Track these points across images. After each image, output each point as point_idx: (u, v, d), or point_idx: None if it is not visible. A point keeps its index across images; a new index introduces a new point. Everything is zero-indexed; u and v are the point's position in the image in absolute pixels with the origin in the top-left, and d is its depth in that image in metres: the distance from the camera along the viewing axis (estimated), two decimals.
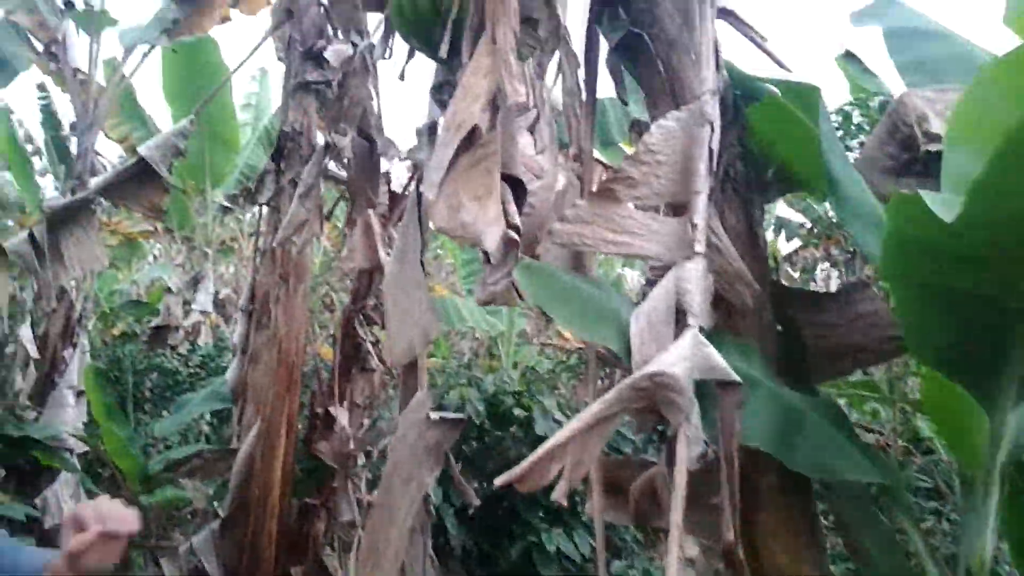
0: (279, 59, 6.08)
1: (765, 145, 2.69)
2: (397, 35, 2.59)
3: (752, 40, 2.57)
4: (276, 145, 5.24)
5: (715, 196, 2.38)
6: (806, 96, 2.48)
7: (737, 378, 1.59)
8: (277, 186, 5.15)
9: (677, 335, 1.70)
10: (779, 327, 2.39)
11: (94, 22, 7.25)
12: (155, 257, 17.60)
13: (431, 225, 2.12)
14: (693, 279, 1.84)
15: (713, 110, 2.27)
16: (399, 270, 2.61)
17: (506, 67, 1.99)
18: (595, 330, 1.94)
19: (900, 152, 2.87)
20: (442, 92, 2.34)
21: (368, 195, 2.98)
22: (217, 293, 12.05)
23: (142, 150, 5.04)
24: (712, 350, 1.62)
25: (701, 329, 1.69)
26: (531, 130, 2.09)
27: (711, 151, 2.24)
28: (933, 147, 2.62)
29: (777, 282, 2.89)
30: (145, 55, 7.86)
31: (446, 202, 2.03)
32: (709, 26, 2.41)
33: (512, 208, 2.11)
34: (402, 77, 2.68)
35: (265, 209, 5.30)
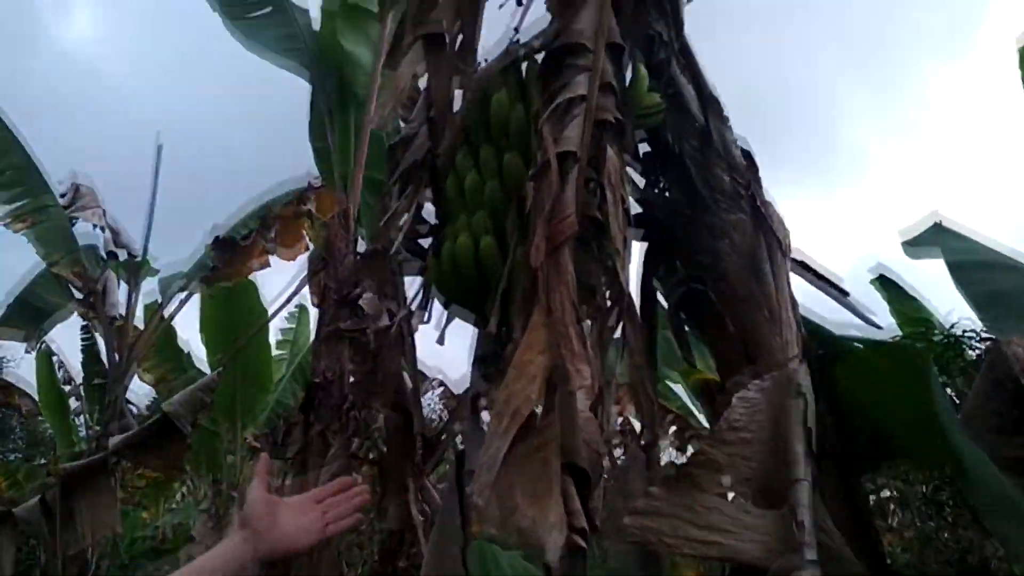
0: (314, 305, 6.00)
1: (856, 410, 2.35)
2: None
3: (831, 295, 2.31)
4: (306, 396, 5.00)
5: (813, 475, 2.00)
6: (906, 357, 2.19)
7: None
8: (305, 439, 4.84)
9: None
10: None
11: (135, 271, 7.38)
12: (183, 496, 17.09)
13: (479, 528, 1.76)
14: None
15: (804, 379, 1.95)
16: (440, 541, 2.22)
17: (565, 342, 1.71)
18: None
19: (1009, 408, 2.50)
20: (487, 364, 2.07)
21: (403, 476, 2.67)
22: None
23: (167, 407, 4.82)
24: None
25: None
26: (594, 410, 1.77)
27: (808, 429, 1.90)
28: None
29: None
30: (183, 301, 7.96)
31: (499, 503, 1.68)
32: (784, 280, 2.17)
33: (576, 506, 1.75)
34: (441, 341, 2.44)
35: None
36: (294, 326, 13.49)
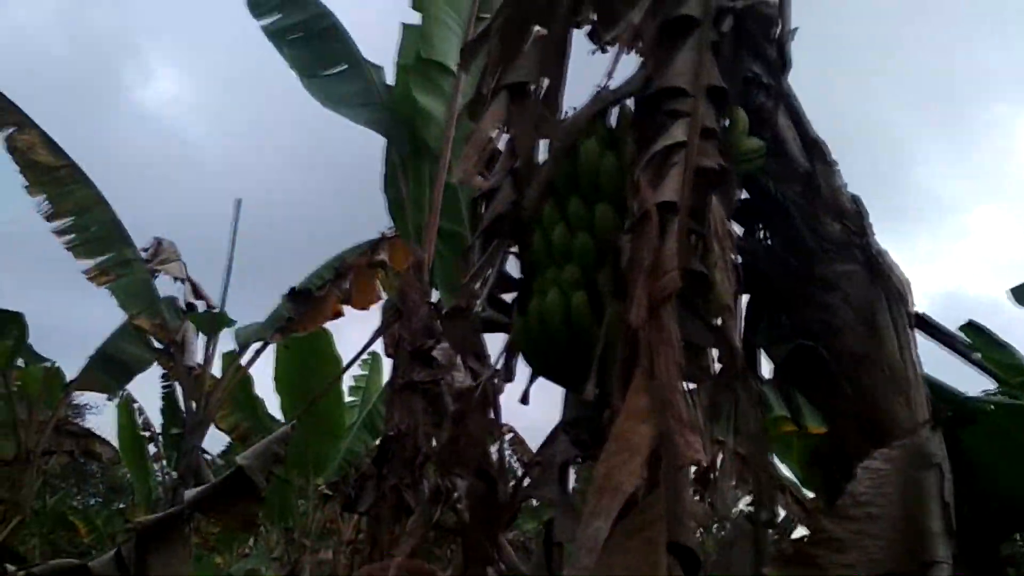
0: (387, 355, 5.94)
1: (986, 476, 2.11)
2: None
3: (956, 351, 2.10)
4: (379, 448, 4.91)
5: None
6: None
7: None
8: (378, 493, 4.73)
9: None
10: None
11: (213, 323, 7.49)
12: (255, 542, 17.19)
13: None
14: None
15: (938, 448, 1.75)
16: None
17: (671, 410, 1.56)
18: None
19: None
20: (579, 429, 1.93)
21: (487, 548, 2.52)
22: None
23: (242, 461, 4.78)
24: None
25: None
26: (703, 483, 1.61)
27: (945, 504, 1.69)
28: None
29: None
30: (258, 351, 8.05)
31: None
32: (906, 336, 1.97)
33: None
34: (525, 401, 2.30)
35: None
36: (367, 373, 13.53)
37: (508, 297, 2.30)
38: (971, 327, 4.32)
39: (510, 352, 2.21)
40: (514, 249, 2.29)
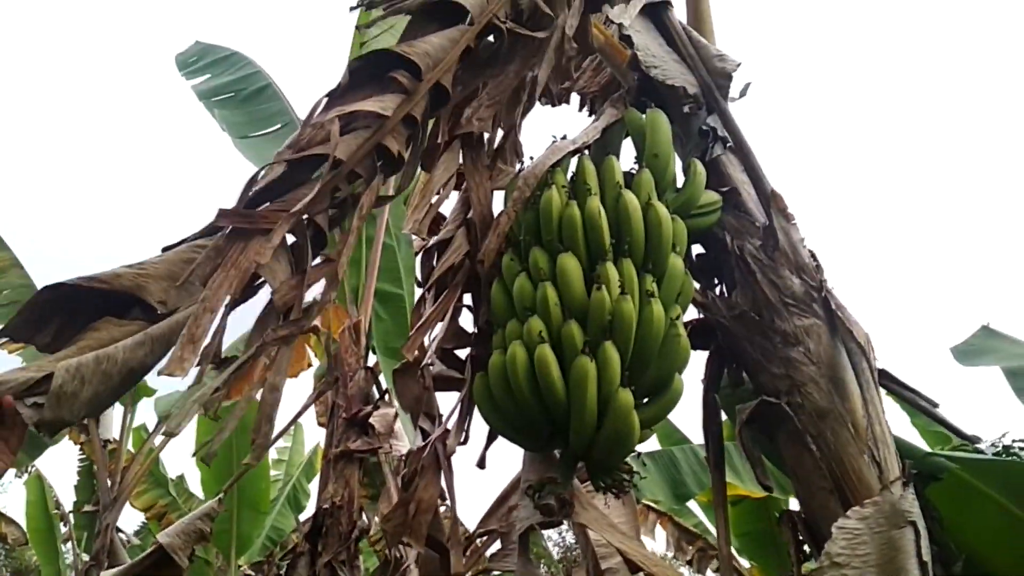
0: (320, 425, 5.69)
1: (953, 532, 2.07)
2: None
3: (920, 408, 2.08)
4: (312, 523, 4.65)
5: None
6: (1012, 476, 1.94)
7: None
8: (312, 572, 4.46)
9: None
10: None
11: (131, 393, 7.09)
12: None
13: None
14: None
15: (911, 505, 1.70)
16: None
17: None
18: None
19: None
20: (542, 494, 1.80)
21: None
22: None
23: (162, 538, 4.43)
24: None
25: None
26: None
27: (923, 563, 1.63)
28: None
29: None
30: (179, 424, 7.62)
31: None
32: (872, 391, 1.93)
33: None
34: (482, 465, 2.17)
35: None
36: (289, 444, 13.02)
37: (462, 353, 2.19)
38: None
39: (464, 410, 2.09)
40: (468, 303, 2.19)
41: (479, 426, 2.13)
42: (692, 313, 2.20)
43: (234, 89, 6.89)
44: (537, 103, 2.82)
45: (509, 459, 2.46)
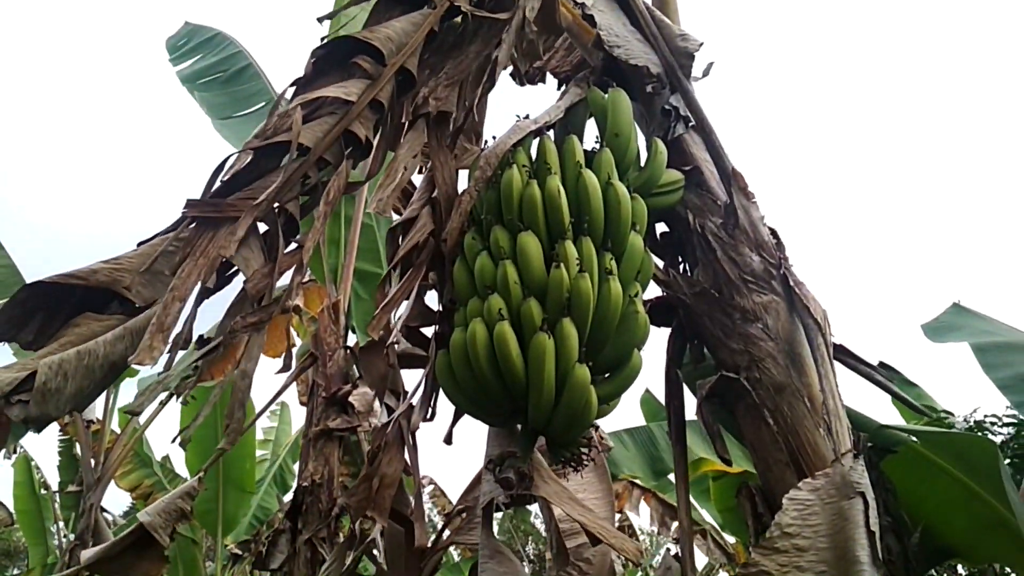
0: (301, 403, 5.71)
1: (908, 504, 2.13)
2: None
3: (876, 382, 2.12)
4: (293, 501, 4.69)
5: None
6: (974, 450, 1.99)
7: None
8: (292, 549, 4.50)
9: None
10: None
11: None
12: None
13: None
14: None
15: (862, 477, 1.74)
16: None
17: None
18: None
19: None
20: (503, 468, 1.84)
21: None
22: None
23: (142, 516, 4.46)
24: None
25: None
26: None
27: (871, 533, 1.67)
28: None
29: None
30: (163, 403, 7.63)
31: None
32: (828, 366, 1.97)
33: None
34: (449, 441, 2.21)
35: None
36: (275, 424, 13.05)
37: (428, 332, 2.22)
38: (883, 366, 4.42)
39: (429, 387, 2.11)
40: (432, 281, 2.21)
41: (448, 403, 2.16)
42: (656, 291, 2.24)
43: (218, 70, 6.86)
44: (513, 84, 2.84)
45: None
